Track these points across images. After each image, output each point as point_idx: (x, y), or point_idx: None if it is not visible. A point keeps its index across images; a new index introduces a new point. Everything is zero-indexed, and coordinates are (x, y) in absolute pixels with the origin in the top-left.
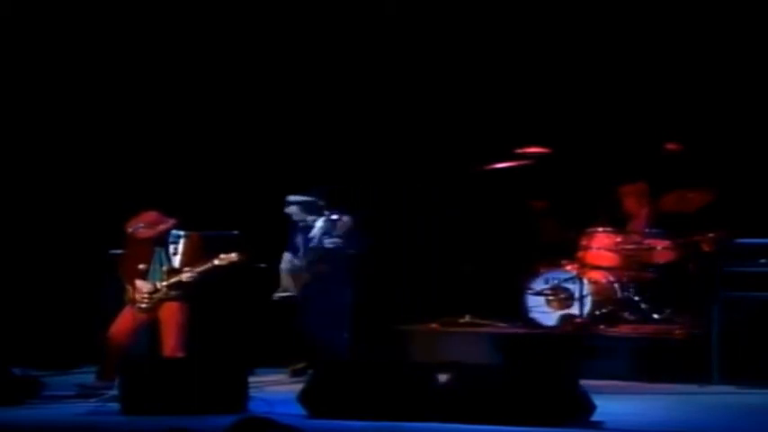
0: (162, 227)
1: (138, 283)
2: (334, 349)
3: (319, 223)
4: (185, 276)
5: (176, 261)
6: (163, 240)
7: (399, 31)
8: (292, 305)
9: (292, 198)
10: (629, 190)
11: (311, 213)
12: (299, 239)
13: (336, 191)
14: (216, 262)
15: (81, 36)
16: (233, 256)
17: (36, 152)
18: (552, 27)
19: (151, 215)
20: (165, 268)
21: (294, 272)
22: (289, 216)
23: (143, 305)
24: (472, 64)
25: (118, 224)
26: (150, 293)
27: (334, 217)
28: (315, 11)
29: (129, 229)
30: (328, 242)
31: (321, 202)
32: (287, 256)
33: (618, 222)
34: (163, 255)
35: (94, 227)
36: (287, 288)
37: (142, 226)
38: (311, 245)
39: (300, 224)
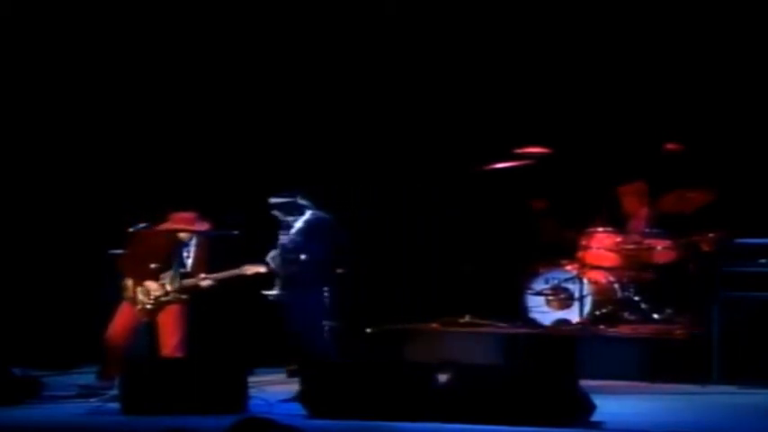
0: (199, 226)
1: (149, 284)
2: (315, 351)
3: (298, 224)
4: (204, 283)
5: (188, 264)
6: (185, 244)
7: (399, 31)
8: (278, 305)
9: (273, 200)
10: (627, 190)
11: (291, 214)
12: (281, 239)
13: (318, 190)
14: (248, 272)
15: (81, 36)
16: (261, 268)
17: (36, 152)
18: (552, 27)
19: (188, 215)
20: (181, 271)
21: (275, 272)
22: (275, 217)
23: (148, 306)
24: (472, 64)
25: (118, 224)
26: (158, 297)
27: (312, 217)
28: (315, 11)
29: (202, 229)
30: (287, 241)
31: (302, 202)
32: (270, 256)
33: (618, 222)
34: (181, 257)
35: (94, 227)
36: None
37: (181, 226)
38: (283, 245)
39: (283, 224)
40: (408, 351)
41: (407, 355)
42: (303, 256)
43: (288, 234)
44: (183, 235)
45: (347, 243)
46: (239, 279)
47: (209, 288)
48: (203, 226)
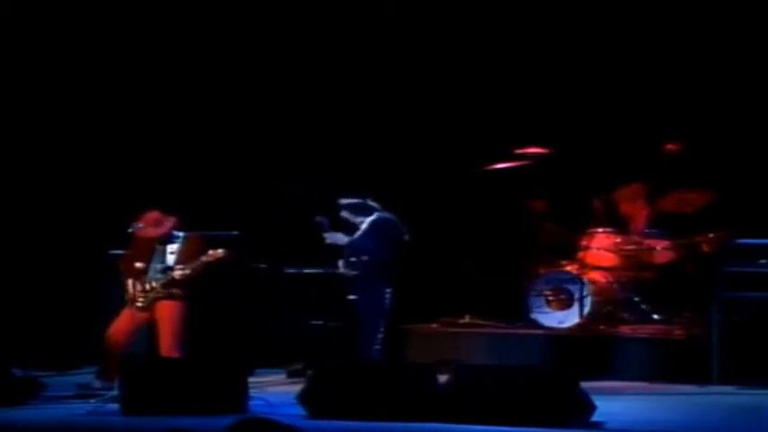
0: (166, 226)
1: (136, 282)
2: (364, 351)
3: (364, 225)
4: (177, 274)
5: (171, 260)
6: (165, 240)
7: (399, 31)
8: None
9: (343, 201)
10: (625, 193)
11: (360, 215)
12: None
13: (318, 190)
14: (203, 259)
15: (81, 36)
16: (219, 252)
17: (36, 152)
18: (552, 27)
19: (153, 215)
20: (161, 267)
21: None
22: (346, 219)
23: (138, 304)
24: (472, 64)
25: (118, 224)
26: (145, 292)
27: (372, 218)
28: (315, 11)
29: (131, 228)
30: (349, 242)
31: (372, 204)
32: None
33: (617, 224)
34: (163, 254)
35: (94, 227)
36: None
37: (143, 226)
38: (345, 246)
39: (352, 224)
40: (408, 351)
41: (407, 356)
42: (365, 257)
43: (352, 236)
44: (150, 233)
45: (408, 245)
46: (210, 267)
47: (184, 278)
48: (169, 222)
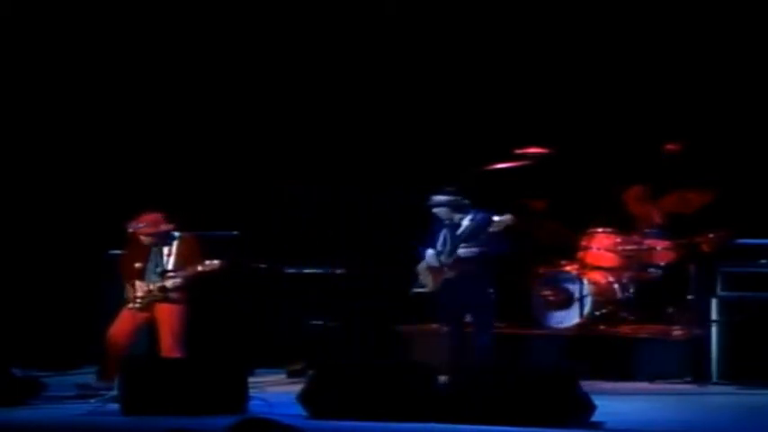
0: (162, 227)
1: (137, 283)
2: (474, 349)
3: (465, 222)
4: (169, 283)
5: (170, 262)
6: (161, 241)
7: (399, 31)
8: (427, 300)
9: (439, 198)
10: (631, 194)
11: (458, 212)
12: (446, 237)
13: (319, 190)
14: (199, 268)
15: (81, 36)
16: (215, 263)
17: (36, 152)
18: (552, 27)
19: (152, 216)
20: (158, 269)
21: (436, 268)
22: (435, 215)
23: (136, 305)
24: (472, 64)
25: (118, 224)
26: (143, 294)
27: (480, 216)
28: (315, 11)
29: (130, 228)
30: (475, 243)
31: (466, 201)
32: (430, 252)
33: (621, 224)
34: (159, 256)
35: (94, 227)
36: (425, 284)
37: (143, 225)
38: (460, 242)
39: (446, 222)
40: (409, 352)
41: (408, 356)
42: (474, 250)
43: (455, 232)
44: (144, 238)
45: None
46: (205, 275)
47: (177, 286)
48: (168, 225)
